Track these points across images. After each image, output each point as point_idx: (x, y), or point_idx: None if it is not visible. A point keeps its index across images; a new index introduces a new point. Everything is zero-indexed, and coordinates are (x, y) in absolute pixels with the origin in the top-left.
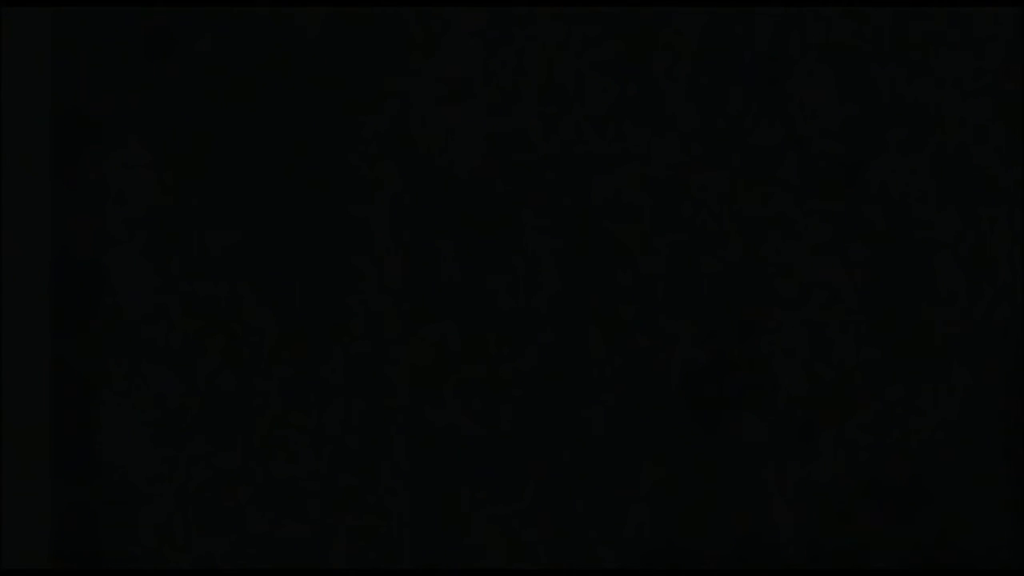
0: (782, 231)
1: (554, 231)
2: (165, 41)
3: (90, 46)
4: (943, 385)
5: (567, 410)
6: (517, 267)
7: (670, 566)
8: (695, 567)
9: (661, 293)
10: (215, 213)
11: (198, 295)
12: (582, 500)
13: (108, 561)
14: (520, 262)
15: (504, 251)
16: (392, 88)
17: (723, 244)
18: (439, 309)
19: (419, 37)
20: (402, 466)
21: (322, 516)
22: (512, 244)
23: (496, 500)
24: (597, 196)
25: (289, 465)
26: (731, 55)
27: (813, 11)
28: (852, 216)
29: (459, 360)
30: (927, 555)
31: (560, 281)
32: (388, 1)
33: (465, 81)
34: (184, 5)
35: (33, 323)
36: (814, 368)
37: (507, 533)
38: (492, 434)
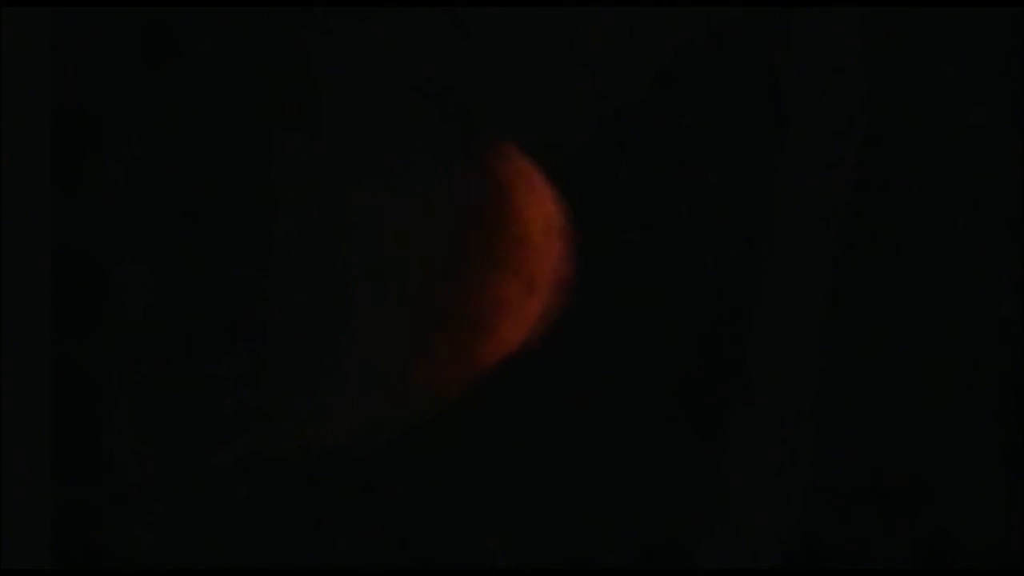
0: (781, 230)
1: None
2: (165, 41)
3: (90, 46)
4: (943, 385)
5: (565, 409)
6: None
7: (669, 566)
8: (694, 567)
9: (659, 292)
10: (216, 213)
11: (198, 295)
12: (581, 499)
13: (108, 561)
14: None
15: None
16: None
17: (722, 243)
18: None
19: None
20: (403, 464)
21: (323, 516)
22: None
23: (494, 499)
24: (594, 195)
25: (290, 465)
26: (728, 55)
27: (812, 10)
28: (851, 215)
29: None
30: (927, 555)
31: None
32: (395, 2)
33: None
34: (184, 5)
35: (33, 323)
36: (813, 368)
37: (505, 532)
38: (489, 433)
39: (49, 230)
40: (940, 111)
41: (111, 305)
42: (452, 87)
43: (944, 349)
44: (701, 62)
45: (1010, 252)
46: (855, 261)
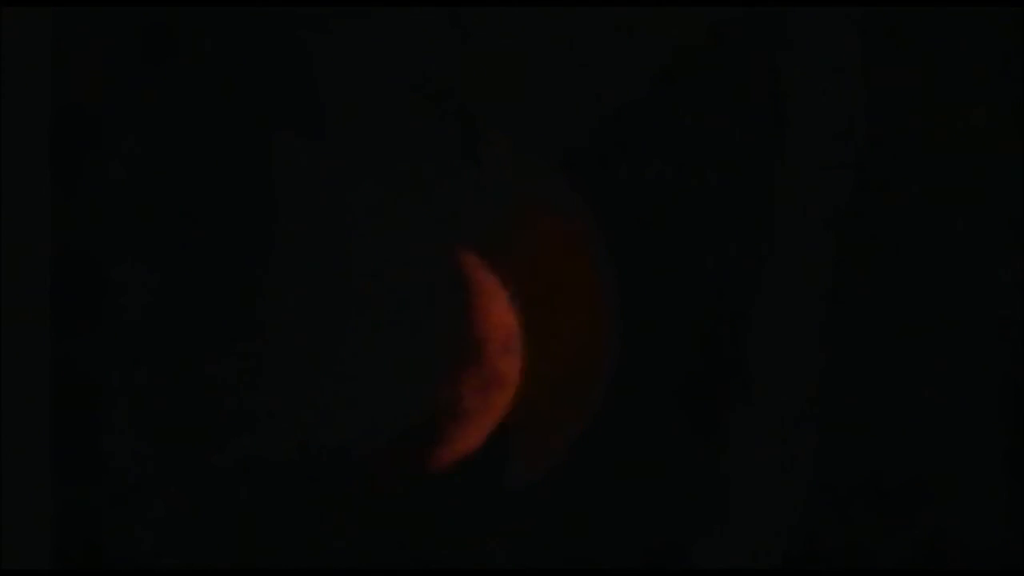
0: (781, 230)
1: None
2: (165, 41)
3: (90, 46)
4: (943, 384)
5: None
6: None
7: (669, 566)
8: (694, 567)
9: (659, 292)
10: (216, 213)
11: (198, 295)
12: (581, 499)
13: (108, 561)
14: None
15: None
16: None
17: (721, 242)
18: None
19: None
20: (405, 465)
21: (323, 516)
22: None
23: (492, 499)
24: (594, 194)
25: (290, 464)
26: (728, 55)
27: (812, 10)
28: (851, 215)
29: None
30: (927, 555)
31: None
32: (395, 2)
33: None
34: (184, 5)
35: (33, 323)
36: (813, 368)
37: (505, 532)
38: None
39: (49, 230)
40: (940, 111)
41: (111, 305)
42: (452, 87)
43: (944, 349)
44: (701, 62)
45: (1010, 252)
46: (855, 261)
